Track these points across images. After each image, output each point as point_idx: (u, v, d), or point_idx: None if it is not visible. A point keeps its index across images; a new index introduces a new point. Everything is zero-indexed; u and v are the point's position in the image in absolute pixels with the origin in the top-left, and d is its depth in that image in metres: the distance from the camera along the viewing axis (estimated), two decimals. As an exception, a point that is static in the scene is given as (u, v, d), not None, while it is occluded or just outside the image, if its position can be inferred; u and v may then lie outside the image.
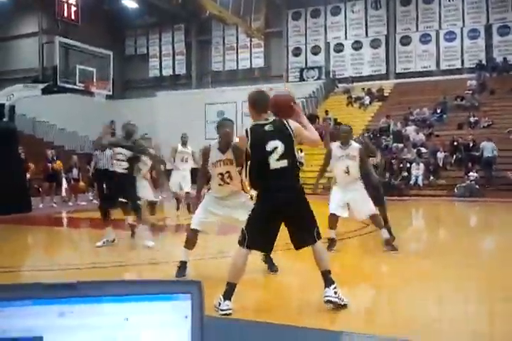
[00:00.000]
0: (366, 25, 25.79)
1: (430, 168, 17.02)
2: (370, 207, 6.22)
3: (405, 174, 17.10)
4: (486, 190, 15.41)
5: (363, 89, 23.43)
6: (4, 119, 12.60)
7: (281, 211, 3.76)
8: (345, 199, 6.30)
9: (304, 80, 26.10)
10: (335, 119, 20.34)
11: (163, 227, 10.02)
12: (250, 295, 4.32)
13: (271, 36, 26.79)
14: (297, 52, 27.10)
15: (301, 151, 16.32)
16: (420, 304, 4.17)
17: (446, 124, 19.62)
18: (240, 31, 25.81)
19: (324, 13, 26.60)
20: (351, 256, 6.60)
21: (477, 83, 21.29)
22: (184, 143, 10.52)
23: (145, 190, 7.65)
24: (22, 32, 26.00)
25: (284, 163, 3.75)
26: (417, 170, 16.84)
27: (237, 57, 28.09)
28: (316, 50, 26.77)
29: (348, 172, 6.26)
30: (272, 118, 3.94)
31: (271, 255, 5.01)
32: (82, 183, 15.42)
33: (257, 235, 3.75)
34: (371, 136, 18.56)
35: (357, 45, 25.88)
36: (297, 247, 3.89)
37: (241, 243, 3.78)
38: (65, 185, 15.21)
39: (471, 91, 20.80)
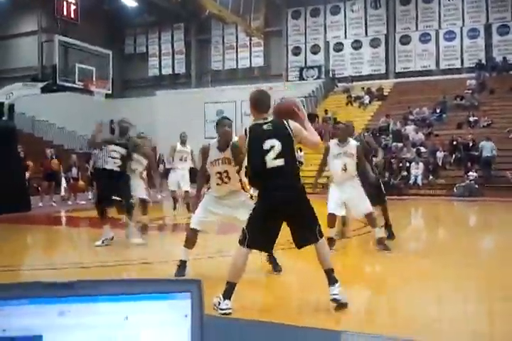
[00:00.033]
0: (366, 24, 25.78)
1: (429, 168, 17.03)
2: (366, 206, 6.22)
3: (405, 173, 17.10)
4: (485, 189, 15.42)
5: (363, 88, 23.42)
6: (3, 118, 12.60)
7: (280, 210, 3.75)
8: (343, 197, 6.30)
9: (303, 79, 26.09)
10: (334, 118, 20.34)
11: (162, 226, 10.04)
12: (250, 294, 4.32)
13: (270, 35, 26.77)
14: (297, 51, 27.09)
15: (301, 150, 16.31)
16: (420, 303, 4.17)
17: (446, 124, 19.62)
18: (240, 30, 25.79)
19: (324, 12, 26.58)
20: (350, 256, 6.61)
21: (477, 82, 21.30)
22: (183, 142, 10.50)
23: (138, 189, 7.63)
24: (21, 30, 25.96)
25: (280, 161, 3.75)
26: (417, 170, 16.85)
27: (236, 56, 28.07)
28: (315, 49, 26.76)
29: (345, 169, 6.26)
30: (271, 117, 3.94)
31: (274, 255, 5.00)
32: (81, 182, 15.42)
33: (258, 234, 3.75)
34: (371, 135, 18.55)
35: (356, 45, 25.87)
36: (299, 246, 3.89)
37: (241, 242, 3.78)
38: (64, 184, 15.22)
39: (470, 91, 20.80)
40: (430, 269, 5.42)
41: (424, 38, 24.75)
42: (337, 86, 24.94)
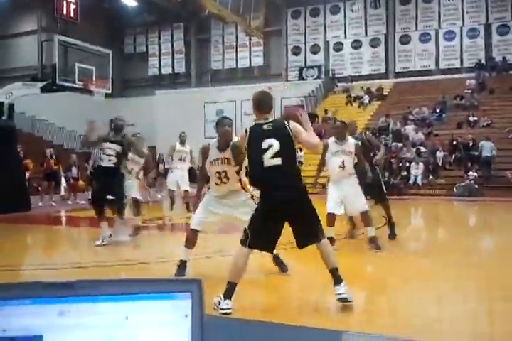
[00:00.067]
0: (365, 24, 25.77)
1: (429, 168, 17.03)
2: (362, 204, 6.24)
3: (404, 173, 17.11)
4: (485, 189, 15.42)
5: (362, 88, 23.43)
6: (3, 117, 12.59)
7: (281, 210, 3.76)
8: (341, 196, 6.32)
9: (303, 79, 26.08)
10: (334, 118, 20.33)
11: (162, 226, 10.03)
12: (251, 294, 4.31)
13: (270, 35, 26.76)
14: (296, 51, 27.08)
15: (301, 150, 16.29)
16: (420, 303, 4.17)
17: (446, 123, 19.62)
18: (240, 30, 25.78)
19: (324, 12, 26.57)
20: (350, 256, 6.59)
21: (476, 82, 21.30)
22: (182, 142, 10.48)
23: (133, 189, 7.62)
24: (21, 30, 25.94)
25: (277, 160, 3.77)
26: (416, 170, 16.85)
27: (236, 55, 28.06)
28: (315, 49, 26.76)
29: (342, 167, 6.27)
30: (272, 118, 3.96)
31: (279, 255, 4.98)
32: (81, 182, 15.41)
33: (259, 235, 3.76)
34: (371, 134, 18.55)
35: (356, 44, 25.86)
36: (300, 246, 3.90)
37: (243, 242, 3.80)
38: (64, 183, 15.21)
39: (470, 91, 20.81)
40: (430, 269, 5.42)
41: (424, 38, 24.75)
42: (337, 86, 24.94)
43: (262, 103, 4.01)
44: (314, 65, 26.45)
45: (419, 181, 16.75)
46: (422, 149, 17.90)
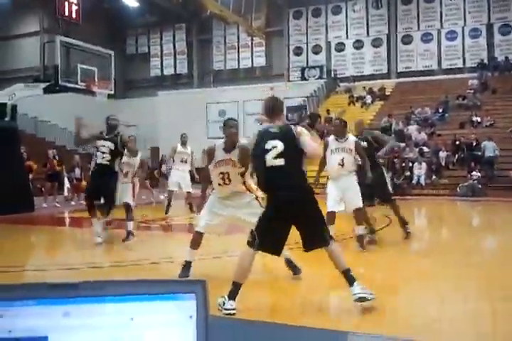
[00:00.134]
0: (367, 24, 25.76)
1: (432, 168, 17.00)
2: (357, 201, 6.24)
3: (407, 173, 17.08)
4: (489, 189, 15.38)
5: (364, 88, 23.42)
6: (6, 119, 12.61)
7: (284, 210, 3.77)
8: (340, 193, 6.33)
9: (305, 79, 26.09)
10: (340, 119, 20.31)
11: (165, 227, 10.04)
12: (255, 295, 4.31)
13: (272, 35, 26.75)
14: (298, 51, 27.08)
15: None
16: (420, 303, 4.17)
17: (448, 123, 19.59)
18: (241, 30, 25.78)
19: (325, 12, 26.57)
20: (351, 255, 6.58)
21: (479, 82, 21.26)
22: (184, 143, 10.47)
23: (126, 193, 7.63)
24: (23, 31, 26.00)
25: (280, 161, 3.81)
26: (419, 170, 16.82)
27: (238, 56, 28.08)
28: (317, 49, 26.76)
29: (342, 164, 6.26)
30: (281, 123, 4.05)
31: (291, 259, 4.95)
32: (84, 183, 15.38)
33: (265, 236, 3.78)
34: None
35: (358, 44, 25.85)
36: (306, 249, 3.90)
37: (250, 244, 3.81)
38: (67, 184, 15.23)
39: (472, 91, 20.76)
40: (431, 269, 5.41)
41: (426, 38, 24.73)
42: (339, 86, 24.94)
43: (272, 108, 4.11)
44: (316, 65, 26.45)
45: (422, 181, 16.72)
46: (425, 149, 17.87)
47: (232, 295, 3.70)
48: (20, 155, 13.32)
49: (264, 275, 5.10)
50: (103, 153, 6.99)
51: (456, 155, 17.27)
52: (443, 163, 17.19)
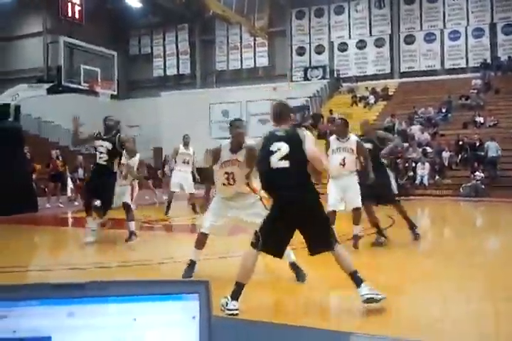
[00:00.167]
0: (370, 24, 25.74)
1: (436, 168, 16.97)
2: (357, 201, 6.24)
3: (411, 174, 17.06)
4: (492, 189, 15.34)
5: (367, 88, 23.39)
6: (10, 119, 12.63)
7: (287, 210, 3.78)
8: (341, 192, 6.34)
9: (308, 79, 26.07)
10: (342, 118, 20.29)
11: (168, 227, 10.05)
12: (258, 295, 4.31)
13: (275, 35, 26.75)
14: (301, 51, 27.07)
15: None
16: (423, 304, 4.16)
17: (451, 123, 19.55)
18: (244, 30, 25.79)
19: (328, 13, 26.56)
20: (353, 255, 6.57)
21: (482, 82, 21.21)
22: (186, 144, 10.46)
23: (125, 194, 7.64)
24: (26, 32, 26.06)
25: (285, 163, 3.83)
26: (423, 170, 16.80)
27: (241, 56, 28.08)
28: (320, 50, 26.74)
29: (343, 164, 6.25)
30: (287, 127, 4.08)
31: (296, 262, 4.92)
32: (86, 183, 15.44)
33: (268, 236, 3.79)
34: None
35: (361, 44, 25.83)
36: (311, 253, 3.89)
37: (254, 245, 3.81)
38: (70, 184, 15.25)
39: (475, 91, 20.72)
40: (434, 269, 5.40)
41: (429, 38, 24.69)
42: (342, 86, 24.92)
43: (280, 114, 4.16)
44: (319, 66, 26.43)
45: (425, 181, 16.69)
46: (428, 149, 17.84)
47: (235, 296, 3.70)
48: (24, 156, 13.34)
49: (267, 276, 5.09)
50: (101, 153, 7.00)
51: (460, 156, 17.23)
52: (446, 163, 17.16)
